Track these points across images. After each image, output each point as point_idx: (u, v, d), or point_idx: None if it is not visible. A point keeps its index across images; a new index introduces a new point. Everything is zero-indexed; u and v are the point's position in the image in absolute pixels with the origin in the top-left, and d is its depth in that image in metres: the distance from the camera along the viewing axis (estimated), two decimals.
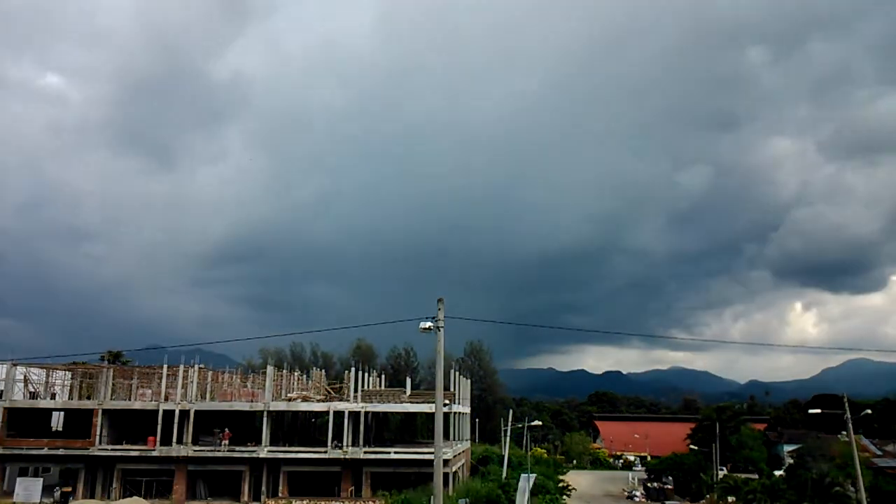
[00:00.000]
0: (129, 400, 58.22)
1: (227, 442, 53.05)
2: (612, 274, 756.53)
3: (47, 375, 60.62)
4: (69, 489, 50.94)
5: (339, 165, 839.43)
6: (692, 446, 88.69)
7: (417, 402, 56.53)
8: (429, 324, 22.86)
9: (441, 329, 23.08)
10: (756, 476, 69.24)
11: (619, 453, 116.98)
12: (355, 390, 57.35)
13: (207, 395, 58.35)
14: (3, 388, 54.76)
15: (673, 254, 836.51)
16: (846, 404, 40.30)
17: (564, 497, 55.14)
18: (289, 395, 63.04)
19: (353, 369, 58.87)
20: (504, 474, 57.47)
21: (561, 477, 66.15)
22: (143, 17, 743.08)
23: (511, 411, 76.37)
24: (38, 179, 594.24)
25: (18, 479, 51.21)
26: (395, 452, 53.99)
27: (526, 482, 50.42)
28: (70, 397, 61.07)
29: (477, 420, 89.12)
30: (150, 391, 58.50)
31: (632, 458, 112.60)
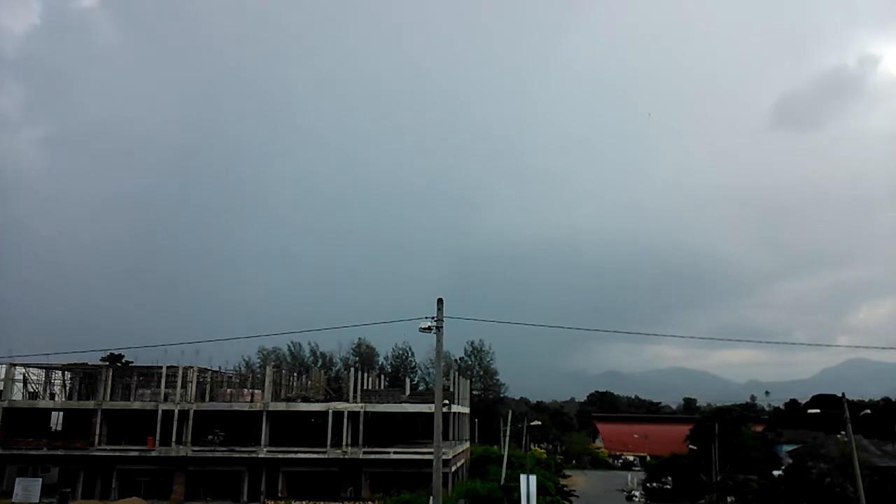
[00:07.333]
0: (129, 400, 58.17)
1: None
2: None
3: (47, 375, 60.54)
4: (68, 489, 50.87)
5: None
6: (692, 447, 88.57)
7: (416, 403, 56.50)
8: (428, 323, 22.82)
9: (440, 329, 23.03)
10: (755, 476, 69.08)
11: (618, 453, 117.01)
12: (355, 390, 57.29)
13: (207, 396, 58.26)
14: (2, 387, 54.71)
15: None
16: (846, 404, 40.19)
17: (566, 502, 54.45)
18: (287, 395, 62.93)
19: (353, 369, 58.81)
20: (504, 475, 57.27)
21: (563, 481, 65.43)
22: None
23: (511, 411, 76.26)
24: None
25: (18, 480, 51.07)
26: (395, 453, 53.94)
27: (527, 486, 45.94)
28: (69, 397, 61.01)
29: (477, 420, 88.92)
30: (149, 391, 58.43)
31: (631, 459, 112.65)
